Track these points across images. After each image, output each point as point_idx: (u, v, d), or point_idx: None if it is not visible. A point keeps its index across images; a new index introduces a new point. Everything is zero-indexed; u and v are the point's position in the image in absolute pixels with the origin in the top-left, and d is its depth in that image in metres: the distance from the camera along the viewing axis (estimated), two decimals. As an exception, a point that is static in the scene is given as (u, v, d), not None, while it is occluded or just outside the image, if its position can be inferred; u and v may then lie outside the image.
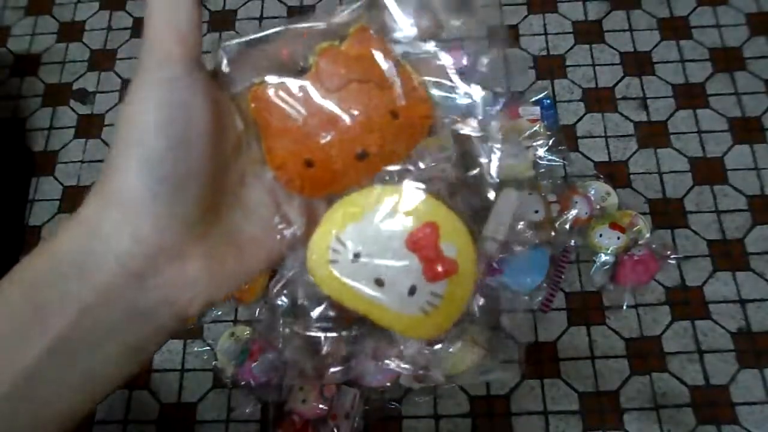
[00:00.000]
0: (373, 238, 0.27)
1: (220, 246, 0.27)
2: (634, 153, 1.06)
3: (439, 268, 0.28)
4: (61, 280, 0.24)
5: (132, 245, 0.24)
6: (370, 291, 0.28)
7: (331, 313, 0.99)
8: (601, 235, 0.94)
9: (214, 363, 0.96)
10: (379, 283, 0.28)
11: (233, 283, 0.28)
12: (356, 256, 0.28)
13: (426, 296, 0.28)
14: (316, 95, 0.26)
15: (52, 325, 0.24)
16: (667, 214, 1.01)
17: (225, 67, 0.28)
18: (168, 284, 0.26)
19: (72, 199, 1.12)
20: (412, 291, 0.28)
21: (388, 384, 0.88)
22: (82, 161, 1.15)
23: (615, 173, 1.04)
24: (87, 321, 0.24)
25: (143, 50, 0.25)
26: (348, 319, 0.84)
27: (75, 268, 0.24)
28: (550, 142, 1.02)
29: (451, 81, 0.30)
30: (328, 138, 0.26)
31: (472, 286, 0.30)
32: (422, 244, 0.27)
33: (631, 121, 1.09)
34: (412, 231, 0.27)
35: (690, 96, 1.10)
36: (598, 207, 0.99)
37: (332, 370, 0.94)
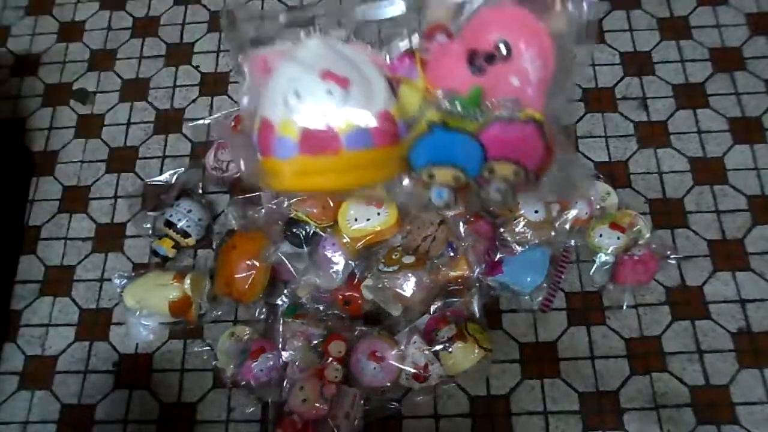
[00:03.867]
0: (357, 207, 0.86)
1: None
2: (634, 153, 1.06)
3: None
4: None
5: None
6: (363, 224, 0.85)
7: (334, 312, 1.02)
8: (601, 235, 0.94)
9: (214, 363, 0.96)
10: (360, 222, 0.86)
11: None
12: (355, 220, 0.86)
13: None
14: None
15: None
16: (667, 214, 1.01)
17: None
18: None
19: (72, 199, 1.12)
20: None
21: (388, 384, 0.88)
22: (82, 161, 1.15)
23: (615, 173, 1.04)
24: None
25: None
26: (352, 315, 0.96)
27: None
28: (550, 142, 1.02)
29: None
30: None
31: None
32: None
33: (631, 121, 1.09)
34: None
35: (690, 96, 1.10)
36: (598, 207, 0.99)
37: (332, 369, 0.95)
